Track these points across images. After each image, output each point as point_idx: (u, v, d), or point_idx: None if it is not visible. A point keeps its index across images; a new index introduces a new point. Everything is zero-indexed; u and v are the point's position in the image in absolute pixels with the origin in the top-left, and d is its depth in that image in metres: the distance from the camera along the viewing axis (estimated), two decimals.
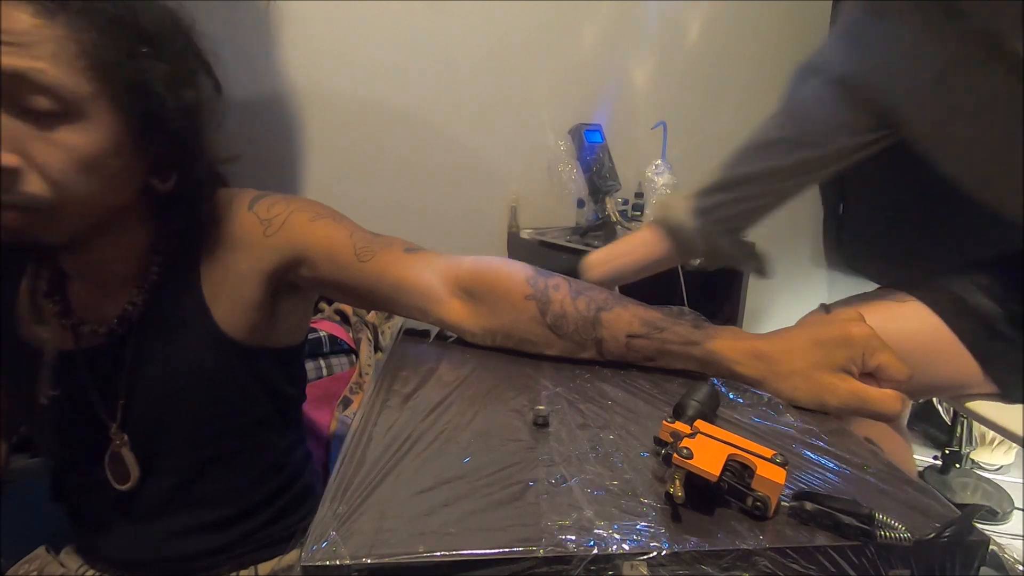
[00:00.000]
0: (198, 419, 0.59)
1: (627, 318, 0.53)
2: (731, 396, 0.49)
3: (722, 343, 0.51)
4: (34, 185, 0.46)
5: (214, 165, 0.59)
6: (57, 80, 0.45)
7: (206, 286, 0.58)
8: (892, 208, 1.72)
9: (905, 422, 0.78)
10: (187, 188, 0.56)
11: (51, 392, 0.56)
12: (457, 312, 0.58)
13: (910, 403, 0.82)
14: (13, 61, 0.43)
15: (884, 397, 0.46)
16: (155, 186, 0.54)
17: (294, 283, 0.61)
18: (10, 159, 0.44)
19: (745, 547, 0.31)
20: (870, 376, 0.47)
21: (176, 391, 0.57)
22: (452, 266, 0.59)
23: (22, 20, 0.43)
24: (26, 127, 0.45)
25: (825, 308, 0.65)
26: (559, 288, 0.56)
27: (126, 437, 0.57)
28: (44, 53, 0.44)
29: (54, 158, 0.46)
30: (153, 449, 0.58)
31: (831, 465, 0.40)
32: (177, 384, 0.57)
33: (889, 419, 0.47)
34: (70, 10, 0.45)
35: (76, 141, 0.47)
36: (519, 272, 0.57)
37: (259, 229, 0.58)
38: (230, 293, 0.58)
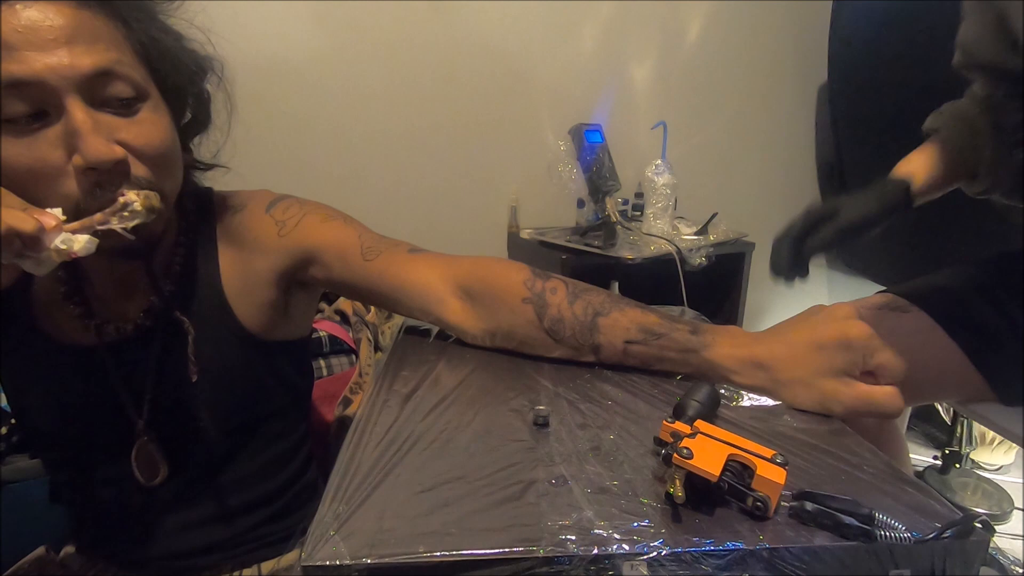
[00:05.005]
0: (221, 414, 0.59)
1: (624, 324, 0.53)
2: (724, 394, 0.49)
3: (720, 351, 0.50)
4: (139, 168, 0.47)
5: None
6: (130, 67, 0.46)
7: (226, 285, 0.59)
8: None
9: (904, 427, 0.78)
10: (195, 160, 0.59)
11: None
12: (456, 313, 0.58)
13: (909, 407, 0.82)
14: (96, 59, 0.44)
15: (886, 396, 0.46)
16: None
17: (305, 281, 0.63)
18: (116, 150, 0.45)
19: (745, 547, 0.31)
20: (869, 374, 0.47)
21: (202, 387, 0.58)
22: (452, 266, 0.59)
23: (66, 13, 0.43)
24: (112, 117, 0.46)
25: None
26: (556, 291, 0.56)
27: (153, 434, 0.57)
28: (111, 44, 0.45)
29: (146, 139, 0.47)
30: (177, 445, 0.58)
31: (831, 465, 0.40)
32: (203, 380, 0.58)
33: (892, 416, 0.46)
34: None
35: (155, 119, 0.48)
36: (516, 274, 0.57)
37: (274, 230, 0.60)
38: (249, 292, 0.60)
